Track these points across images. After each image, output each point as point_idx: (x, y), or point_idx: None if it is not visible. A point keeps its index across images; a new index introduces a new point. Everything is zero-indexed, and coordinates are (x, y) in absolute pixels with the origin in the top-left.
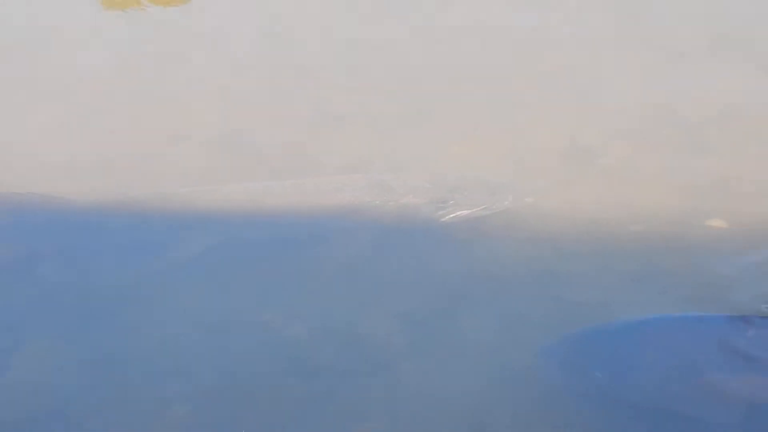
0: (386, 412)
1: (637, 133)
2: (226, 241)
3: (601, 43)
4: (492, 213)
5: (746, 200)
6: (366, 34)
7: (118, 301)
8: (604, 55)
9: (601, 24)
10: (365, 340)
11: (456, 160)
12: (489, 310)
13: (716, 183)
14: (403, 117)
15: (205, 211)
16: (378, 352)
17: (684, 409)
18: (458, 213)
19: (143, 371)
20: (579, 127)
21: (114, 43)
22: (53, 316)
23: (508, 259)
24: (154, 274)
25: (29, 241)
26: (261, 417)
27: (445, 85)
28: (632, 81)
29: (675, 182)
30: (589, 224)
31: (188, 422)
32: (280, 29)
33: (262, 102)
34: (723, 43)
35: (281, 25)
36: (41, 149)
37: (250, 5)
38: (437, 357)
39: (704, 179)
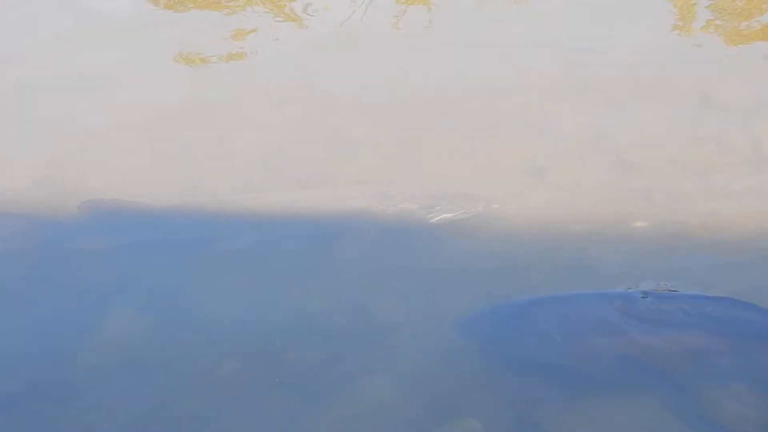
0: (387, 366)
1: (578, 155)
2: (265, 237)
3: (549, 89)
4: (468, 216)
5: (662, 207)
6: (373, 81)
7: (184, 282)
8: (552, 98)
9: (552, 75)
10: (370, 312)
11: (441, 175)
12: (460, 290)
13: (640, 194)
14: (401, 143)
15: (250, 213)
16: (380, 322)
17: (573, 366)
18: (443, 216)
19: (203, 336)
20: (533, 151)
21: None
22: (132, 291)
23: (478, 251)
24: (213, 261)
25: (115, 234)
26: (290, 371)
27: (433, 120)
28: (573, 116)
29: (608, 193)
30: (541, 225)
31: (236, 375)
32: (308, 75)
33: (292, 130)
34: (649, 88)
35: (309, 72)
36: (125, 167)
37: (280, 56)
38: (426, 322)
39: (631, 191)
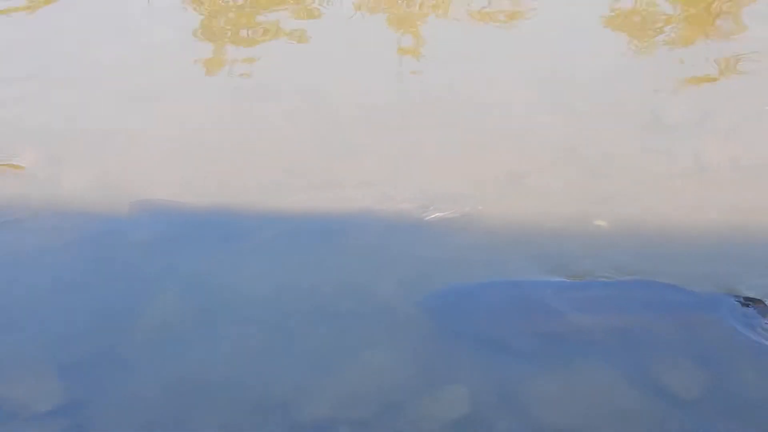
0: (386, 341)
1: (550, 164)
2: (283, 231)
3: (526, 107)
4: (458, 215)
5: (620, 208)
6: (375, 98)
7: (215, 268)
8: (528, 114)
9: (528, 94)
10: (371, 295)
11: (435, 180)
12: (449, 276)
13: (603, 197)
14: (400, 151)
15: (270, 211)
16: (380, 303)
17: (514, 342)
18: (436, 215)
19: (230, 314)
20: (513, 160)
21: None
22: (173, 276)
23: (465, 245)
24: (240, 251)
25: (158, 228)
26: (303, 343)
27: (428, 132)
28: (546, 130)
29: (574, 196)
30: (518, 223)
31: (258, 346)
32: (319, 93)
33: (305, 139)
34: (609, 105)
35: (320, 90)
36: (167, 171)
37: (295, 75)
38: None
39: (594, 195)
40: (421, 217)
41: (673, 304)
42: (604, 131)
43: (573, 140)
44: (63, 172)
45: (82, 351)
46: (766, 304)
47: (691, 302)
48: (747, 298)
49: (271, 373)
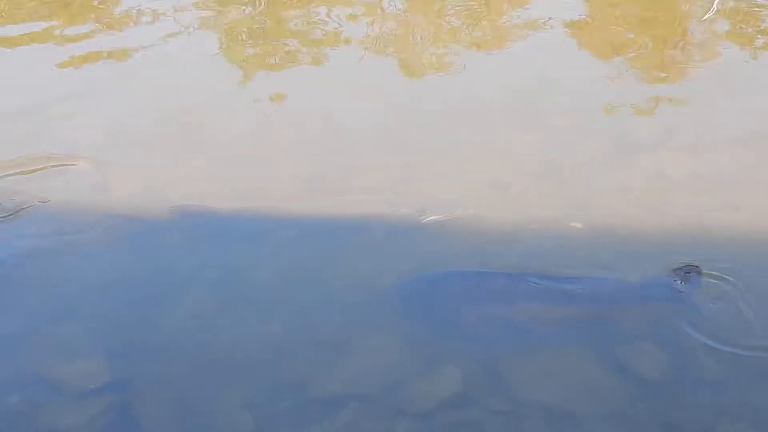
0: (389, 326)
1: (530, 174)
2: (302, 232)
3: (509, 125)
4: (451, 218)
5: (594, 212)
6: (379, 121)
7: (243, 264)
8: (511, 132)
9: (511, 114)
10: (376, 287)
11: (431, 189)
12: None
13: (577, 203)
14: (401, 163)
15: (291, 214)
16: (383, 293)
17: (478, 328)
18: (432, 218)
19: (255, 305)
20: (498, 171)
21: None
22: (207, 270)
23: (457, 243)
24: (264, 249)
25: (195, 229)
26: (318, 331)
27: (425, 148)
28: (526, 146)
29: (553, 202)
30: (503, 225)
31: (281, 333)
32: (333, 115)
33: (321, 154)
34: (582, 123)
35: (334, 112)
36: (202, 180)
37: (312, 98)
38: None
39: (570, 201)
40: (419, 220)
41: (619, 293)
42: (578, 146)
43: (550, 154)
44: (113, 182)
45: (126, 336)
46: (699, 267)
47: (634, 289)
48: (686, 265)
49: (290, 355)
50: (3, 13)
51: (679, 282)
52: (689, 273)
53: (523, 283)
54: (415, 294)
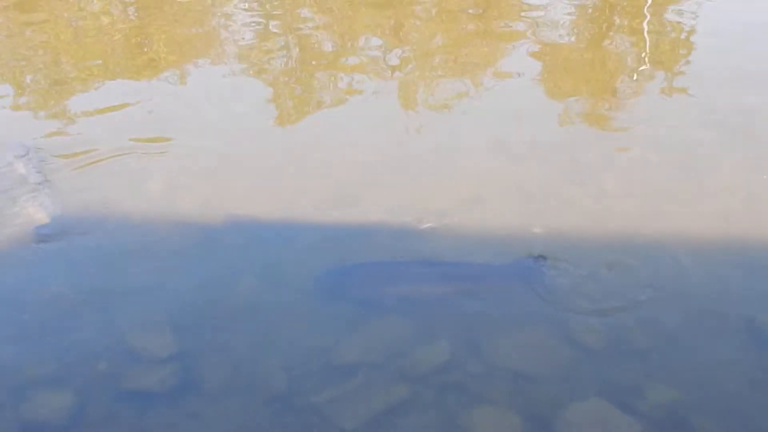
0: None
1: (500, 191)
2: (324, 236)
3: (482, 155)
4: (441, 225)
5: (551, 221)
6: (385, 152)
7: (281, 261)
8: (483, 160)
9: (482, 146)
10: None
11: (426, 202)
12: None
13: (538, 214)
14: (402, 183)
15: (317, 222)
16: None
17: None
18: (427, 225)
19: (287, 291)
20: (474, 190)
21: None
22: (252, 265)
23: (445, 243)
24: (296, 249)
25: (242, 234)
26: (335, 310)
27: (421, 170)
28: (494, 171)
29: (519, 213)
30: (481, 231)
31: (308, 312)
32: (347, 145)
33: (337, 176)
34: (543, 150)
35: (347, 144)
36: (248, 194)
37: (334, 133)
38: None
39: (532, 212)
40: (417, 226)
41: (484, 273)
42: (538, 170)
43: (517, 176)
44: (179, 196)
45: (190, 316)
46: (546, 258)
47: (496, 270)
48: (538, 256)
49: (317, 331)
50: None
51: (532, 265)
52: (539, 258)
53: (417, 268)
54: (337, 280)
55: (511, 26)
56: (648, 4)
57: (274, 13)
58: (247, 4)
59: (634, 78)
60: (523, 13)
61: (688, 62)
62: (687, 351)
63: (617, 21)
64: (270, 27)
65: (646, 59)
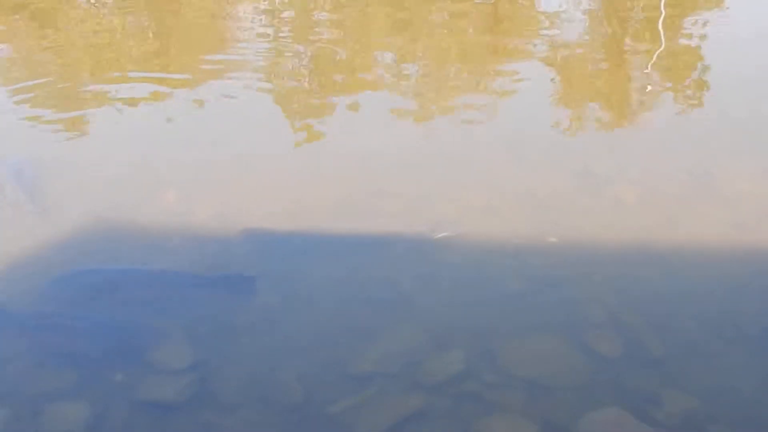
0: (405, 315)
1: (511, 202)
2: (342, 245)
3: (494, 165)
4: (454, 234)
5: (566, 230)
6: (400, 156)
7: (300, 267)
8: (496, 170)
9: (494, 158)
10: (398, 285)
11: (440, 211)
12: (447, 272)
13: (552, 222)
14: (417, 193)
15: (335, 232)
16: (404, 291)
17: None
18: (442, 234)
19: (308, 297)
20: (486, 200)
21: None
22: (269, 272)
23: (458, 250)
24: (313, 259)
25: (257, 247)
26: (349, 319)
27: (434, 180)
28: (507, 180)
29: (534, 221)
30: (494, 240)
31: (332, 313)
32: (362, 158)
33: (355, 186)
34: (554, 161)
35: (363, 157)
36: (265, 209)
37: (350, 146)
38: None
39: (547, 221)
40: (432, 236)
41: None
42: (551, 178)
43: (529, 184)
44: (195, 208)
45: (206, 326)
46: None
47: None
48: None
49: (334, 341)
50: None
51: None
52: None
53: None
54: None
55: (525, 38)
56: (663, 16)
57: (288, 28)
58: (262, 18)
59: (648, 89)
60: (539, 30)
61: (703, 71)
62: (704, 359)
63: (631, 29)
64: (283, 40)
65: (660, 67)
